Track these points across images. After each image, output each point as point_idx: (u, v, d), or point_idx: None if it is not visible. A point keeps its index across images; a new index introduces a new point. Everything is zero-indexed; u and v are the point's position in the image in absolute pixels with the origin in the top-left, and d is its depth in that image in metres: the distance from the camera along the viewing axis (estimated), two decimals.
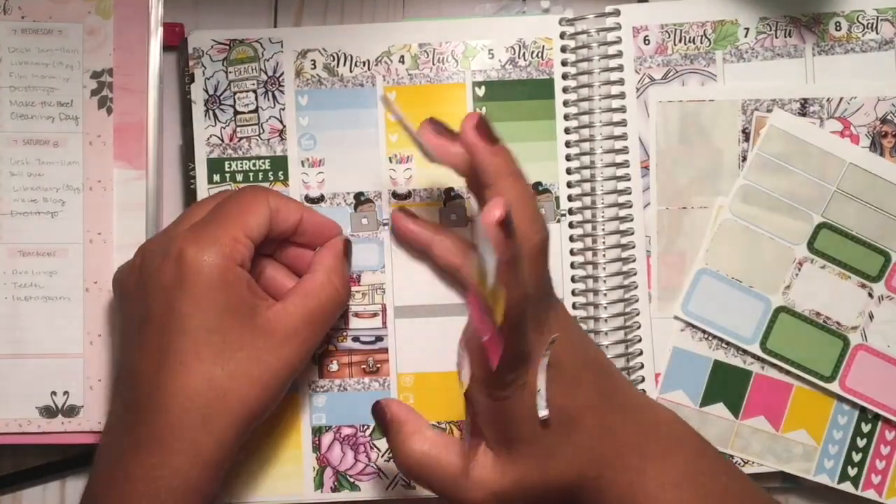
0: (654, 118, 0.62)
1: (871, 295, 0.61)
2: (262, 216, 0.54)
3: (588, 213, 0.62)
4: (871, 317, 0.61)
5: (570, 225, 0.63)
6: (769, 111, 0.61)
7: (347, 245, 0.59)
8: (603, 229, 0.62)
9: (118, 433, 0.53)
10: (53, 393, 0.61)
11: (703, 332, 0.62)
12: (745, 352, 0.61)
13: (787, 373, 0.61)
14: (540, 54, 0.63)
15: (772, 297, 0.61)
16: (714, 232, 0.62)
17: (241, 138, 0.63)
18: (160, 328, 0.52)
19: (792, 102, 0.61)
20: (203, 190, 0.63)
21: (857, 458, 0.61)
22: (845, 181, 0.61)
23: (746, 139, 0.62)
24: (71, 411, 0.61)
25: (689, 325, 0.62)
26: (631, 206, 0.62)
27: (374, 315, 0.63)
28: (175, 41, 0.64)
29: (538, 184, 0.63)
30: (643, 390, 0.62)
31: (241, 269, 0.53)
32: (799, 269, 0.61)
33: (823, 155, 0.61)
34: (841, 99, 0.61)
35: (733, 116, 0.62)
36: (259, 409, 0.53)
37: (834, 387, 0.61)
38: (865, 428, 0.61)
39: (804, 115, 0.61)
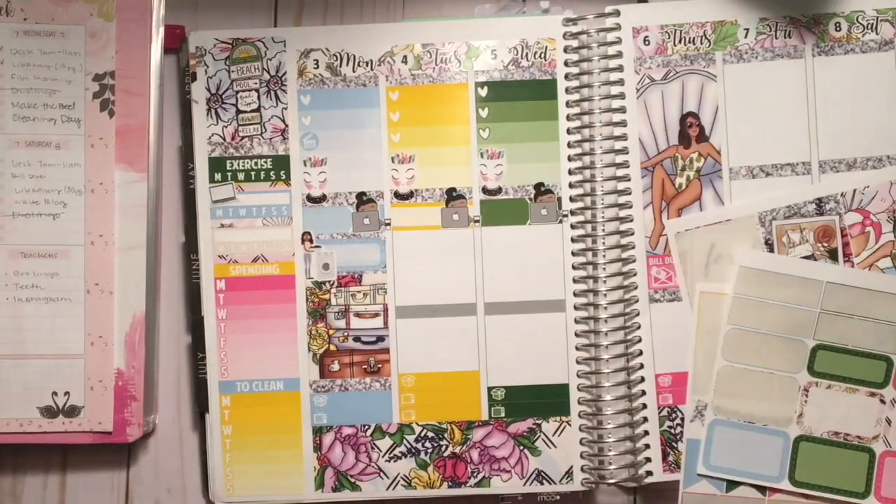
0: (677, 252, 0.59)
1: (882, 401, 0.58)
2: None
3: (588, 214, 0.60)
4: (888, 422, 0.58)
5: (572, 226, 0.60)
6: (787, 218, 0.59)
7: None
8: (603, 229, 0.59)
9: None
10: (54, 393, 0.59)
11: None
12: (776, 490, 0.58)
13: (821, 500, 0.58)
14: (543, 55, 0.60)
15: (787, 429, 0.58)
16: (714, 381, 0.59)
17: (243, 137, 0.61)
18: None
19: (807, 205, 0.59)
20: (203, 190, 0.61)
21: None
22: (828, 300, 0.58)
23: (771, 250, 0.59)
24: (72, 411, 0.59)
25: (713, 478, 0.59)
26: (631, 207, 0.60)
27: (376, 315, 0.60)
28: (175, 43, 0.62)
29: (540, 185, 0.60)
30: (642, 391, 0.59)
31: None
32: (806, 395, 0.58)
33: (799, 281, 0.58)
34: (854, 191, 0.59)
35: (753, 231, 0.59)
36: None
37: (870, 502, 0.58)
38: None
39: (821, 213, 0.59)
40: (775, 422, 0.58)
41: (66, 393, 0.58)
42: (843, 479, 0.58)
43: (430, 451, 0.60)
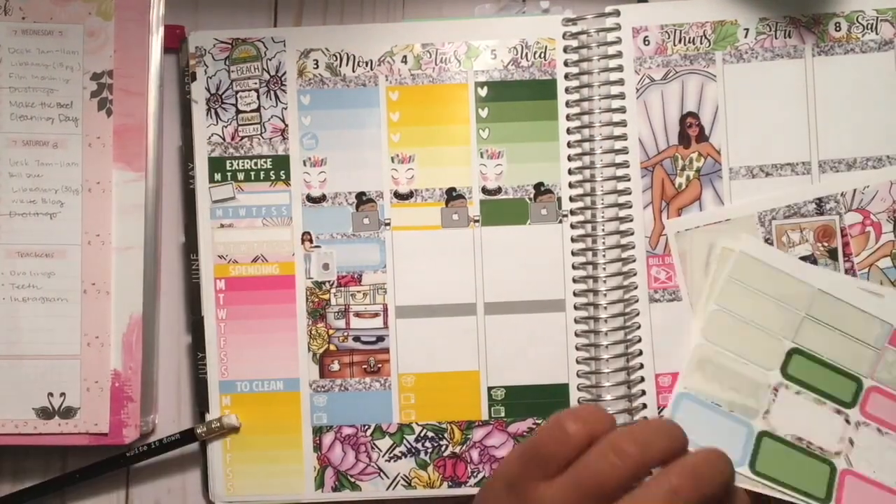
0: (677, 251, 0.58)
1: (847, 421, 0.57)
2: None
3: (588, 214, 0.59)
4: (851, 442, 0.57)
5: (572, 226, 0.59)
6: (787, 218, 0.58)
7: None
8: (603, 229, 0.59)
9: None
10: (50, 394, 0.58)
11: None
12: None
13: (780, 493, 0.57)
14: (543, 55, 0.59)
15: (752, 421, 0.57)
16: (690, 357, 0.58)
17: (242, 137, 0.60)
18: None
19: (807, 204, 0.58)
20: (203, 190, 0.60)
21: None
22: (814, 307, 0.57)
23: None
24: (67, 412, 0.58)
25: None
26: (631, 207, 0.59)
27: (376, 315, 0.59)
28: (175, 43, 0.61)
29: (540, 184, 0.58)
30: (642, 391, 0.58)
31: None
32: (775, 395, 0.57)
33: (793, 281, 0.58)
34: (854, 191, 0.58)
35: (753, 231, 0.58)
36: None
37: None
38: None
39: (821, 213, 0.58)
40: (742, 411, 0.57)
41: (62, 394, 0.57)
42: (804, 481, 0.56)
43: (430, 450, 0.59)
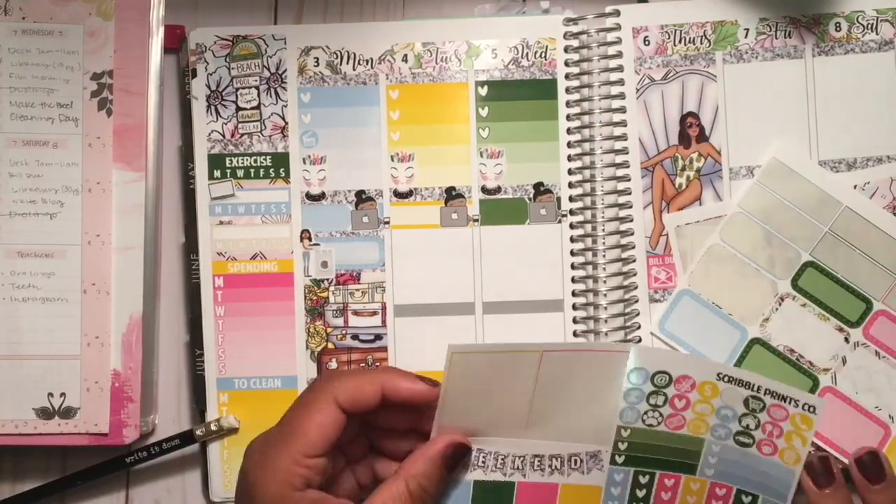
0: (677, 248, 0.58)
1: (847, 340, 0.57)
2: (324, 427, 0.47)
3: (588, 214, 0.58)
4: (843, 361, 0.57)
5: (571, 225, 0.58)
6: None
7: (451, 448, 0.50)
8: (603, 229, 0.58)
9: None
10: (50, 394, 0.57)
11: None
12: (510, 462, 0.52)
13: None
14: (543, 54, 0.58)
15: (749, 327, 0.57)
16: (701, 255, 0.58)
17: (242, 134, 0.59)
18: None
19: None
20: (202, 187, 0.59)
21: None
22: (839, 224, 0.57)
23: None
24: (67, 413, 0.57)
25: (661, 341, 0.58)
26: (631, 207, 0.58)
27: (374, 313, 0.59)
28: (175, 43, 0.60)
29: (540, 184, 0.58)
30: None
31: (301, 494, 0.47)
32: (780, 304, 0.57)
33: (821, 194, 0.57)
34: (854, 186, 0.57)
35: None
36: None
37: None
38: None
39: None
40: (740, 315, 0.57)
41: (63, 394, 0.57)
42: None
43: None
